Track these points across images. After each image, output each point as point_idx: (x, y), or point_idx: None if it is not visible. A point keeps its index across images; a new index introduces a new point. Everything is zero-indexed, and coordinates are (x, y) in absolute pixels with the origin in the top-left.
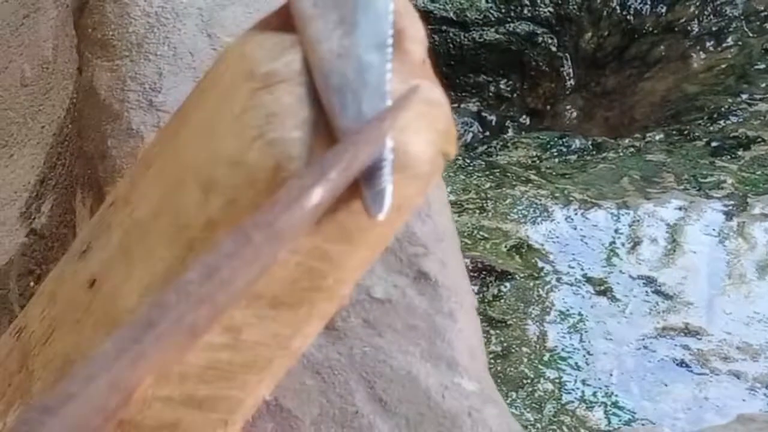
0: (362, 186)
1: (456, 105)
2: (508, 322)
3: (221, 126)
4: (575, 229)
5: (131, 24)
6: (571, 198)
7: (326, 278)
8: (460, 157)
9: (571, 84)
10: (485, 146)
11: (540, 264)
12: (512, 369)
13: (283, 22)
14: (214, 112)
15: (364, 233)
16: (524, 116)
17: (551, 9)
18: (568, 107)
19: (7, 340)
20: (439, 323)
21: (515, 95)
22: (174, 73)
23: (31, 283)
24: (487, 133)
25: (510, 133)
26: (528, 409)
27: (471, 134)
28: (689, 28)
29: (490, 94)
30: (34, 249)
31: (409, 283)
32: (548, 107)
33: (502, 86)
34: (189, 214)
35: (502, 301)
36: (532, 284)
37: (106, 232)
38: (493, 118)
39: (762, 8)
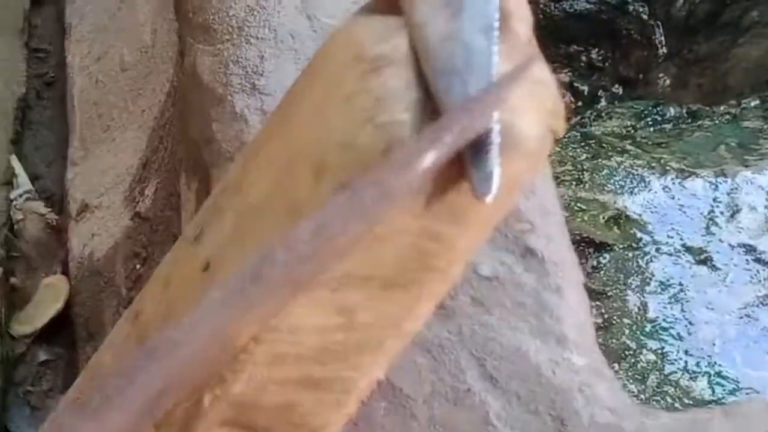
0: (470, 168)
1: None
2: (609, 294)
3: (331, 109)
4: (673, 198)
5: (231, 8)
6: (667, 167)
7: (438, 258)
8: None
9: (663, 52)
10: (579, 117)
11: (638, 234)
12: (614, 340)
13: (389, 4)
14: (324, 95)
15: (474, 213)
16: (617, 85)
17: None
18: (660, 75)
19: (124, 325)
20: (546, 299)
21: (607, 64)
22: (275, 56)
23: (137, 266)
24: (580, 104)
25: (603, 102)
26: (631, 381)
27: (564, 105)
28: None
29: (582, 64)
30: (139, 232)
31: (516, 260)
32: (641, 76)
33: (593, 56)
34: (300, 198)
35: (602, 272)
36: (631, 255)
37: (219, 217)
38: (585, 87)
39: None
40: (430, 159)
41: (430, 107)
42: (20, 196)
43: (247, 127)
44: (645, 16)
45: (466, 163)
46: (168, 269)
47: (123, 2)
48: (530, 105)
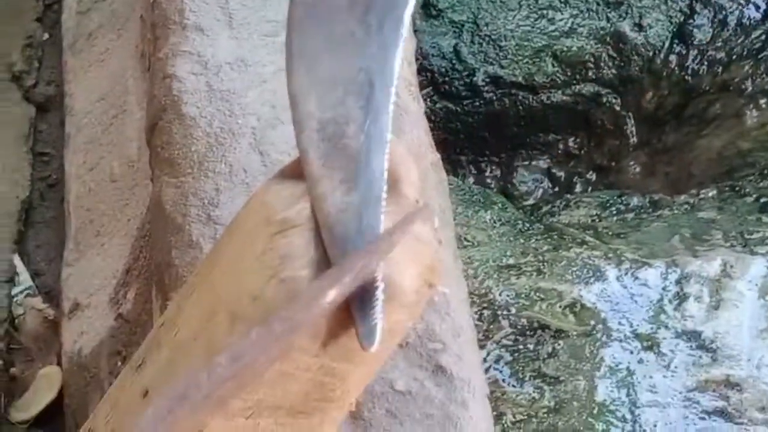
0: (356, 321)
1: (527, 163)
2: (561, 379)
3: (245, 264)
4: (626, 287)
5: (194, 144)
6: (623, 258)
7: (334, 391)
8: (520, 221)
9: (634, 141)
10: (549, 206)
11: (592, 322)
12: (563, 422)
13: (299, 171)
14: (240, 251)
15: (362, 354)
16: (591, 172)
17: (614, 71)
18: (631, 163)
19: None
20: (452, 411)
21: (583, 152)
22: (230, 189)
23: (119, 363)
24: (557, 189)
25: (578, 188)
26: None
27: (541, 190)
28: (743, 86)
29: (559, 151)
30: (121, 332)
31: (428, 376)
32: (613, 163)
33: (570, 144)
34: (218, 341)
35: (556, 358)
36: (584, 341)
37: (157, 349)
38: (562, 174)
39: None
40: (332, 296)
41: (328, 266)
42: (21, 292)
43: (202, 255)
44: (617, 108)
45: (353, 316)
46: (116, 393)
47: (115, 117)
48: (410, 261)
